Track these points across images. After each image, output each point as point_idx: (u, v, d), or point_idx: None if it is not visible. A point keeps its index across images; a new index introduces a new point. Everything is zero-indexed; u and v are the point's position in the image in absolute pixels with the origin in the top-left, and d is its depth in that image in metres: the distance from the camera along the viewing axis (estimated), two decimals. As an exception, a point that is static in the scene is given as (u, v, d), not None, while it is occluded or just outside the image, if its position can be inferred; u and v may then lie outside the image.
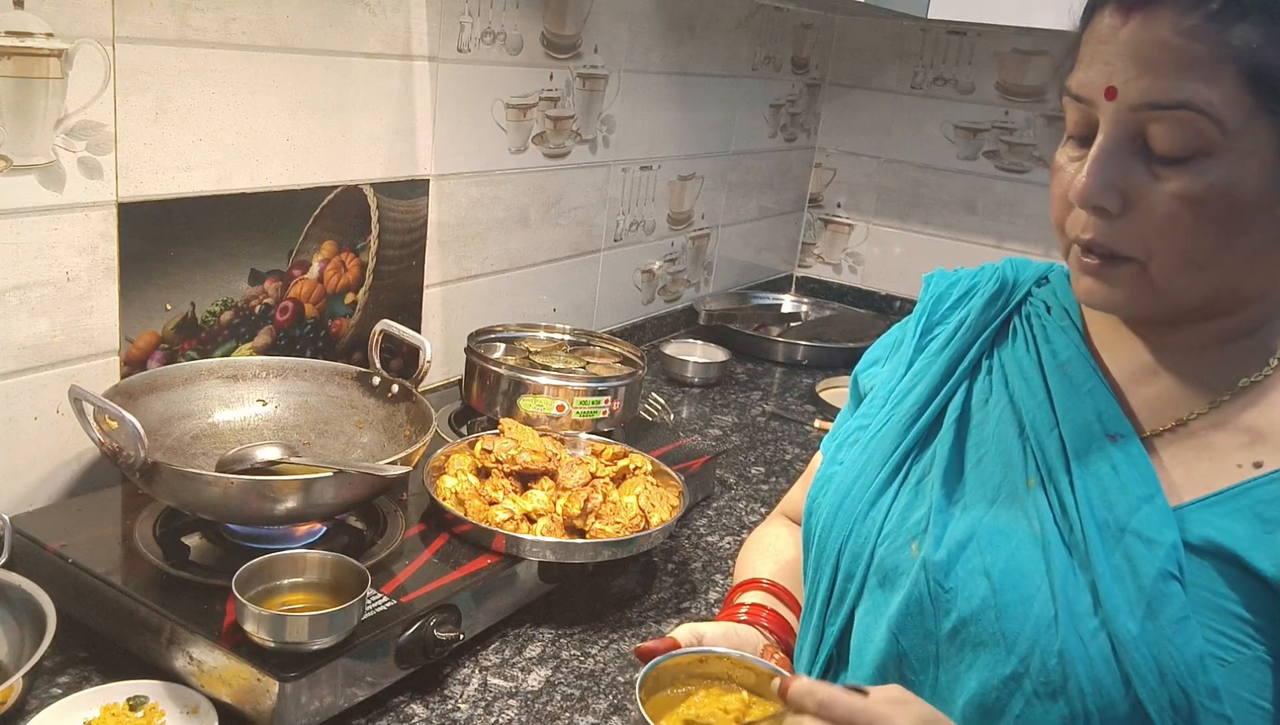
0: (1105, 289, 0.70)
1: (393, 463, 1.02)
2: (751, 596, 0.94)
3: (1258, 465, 0.67)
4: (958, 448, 0.79)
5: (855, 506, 0.81)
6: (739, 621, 0.89)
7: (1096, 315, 0.80)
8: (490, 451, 1.20)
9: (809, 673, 0.83)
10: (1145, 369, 0.75)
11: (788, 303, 2.49)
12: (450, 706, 0.96)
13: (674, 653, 0.76)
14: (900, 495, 0.79)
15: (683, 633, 0.81)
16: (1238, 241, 0.66)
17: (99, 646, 0.96)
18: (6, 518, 0.97)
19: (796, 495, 1.05)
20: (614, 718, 0.97)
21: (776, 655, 0.84)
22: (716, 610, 1.17)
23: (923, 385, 0.84)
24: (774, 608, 0.92)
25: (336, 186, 1.35)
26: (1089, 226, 0.69)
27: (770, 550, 1.01)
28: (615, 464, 1.25)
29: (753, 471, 1.58)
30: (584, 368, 1.50)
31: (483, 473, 1.20)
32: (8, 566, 0.95)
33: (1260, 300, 0.71)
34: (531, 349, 1.56)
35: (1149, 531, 0.67)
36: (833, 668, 0.82)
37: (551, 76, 1.68)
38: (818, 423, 1.79)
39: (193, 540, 1.05)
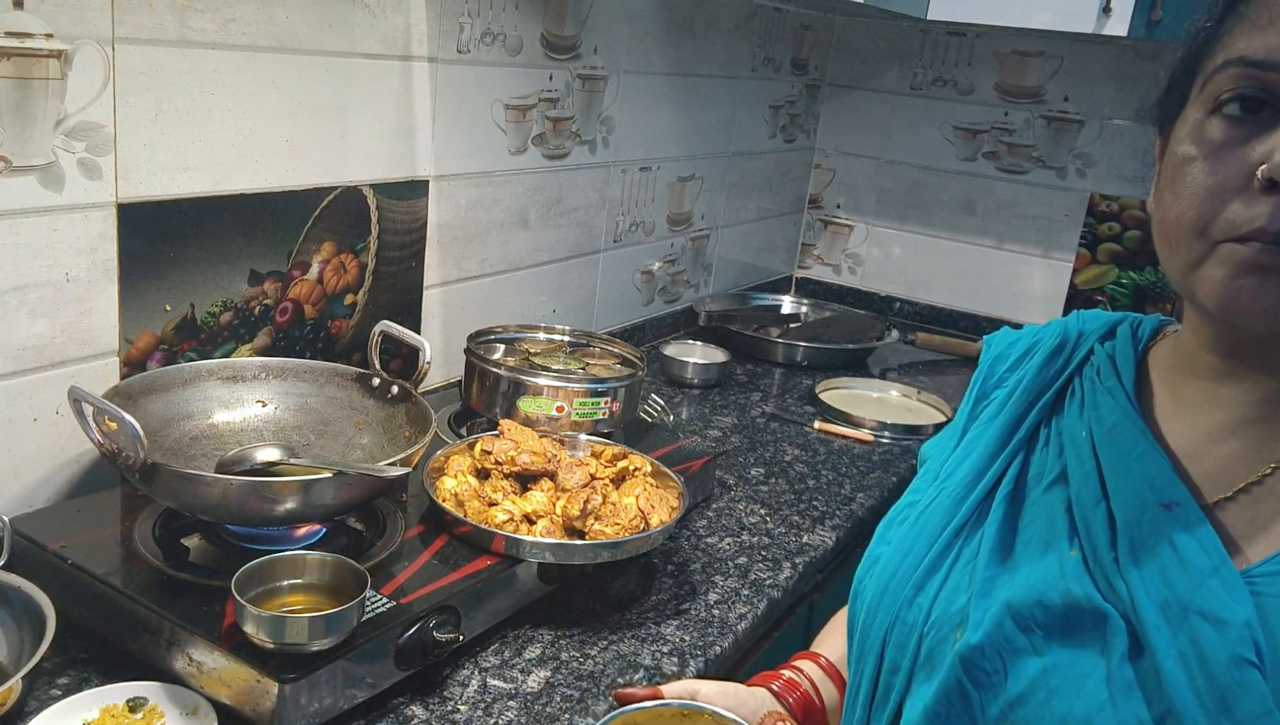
0: (1257, 288, 0.59)
1: (392, 464, 1.02)
2: (802, 664, 0.88)
3: None
4: (1008, 527, 0.72)
5: (901, 591, 0.73)
6: (768, 688, 0.84)
7: (1181, 371, 0.71)
8: (490, 453, 1.20)
9: None
10: (1223, 427, 0.67)
11: (787, 304, 2.49)
12: (450, 708, 0.96)
13: (655, 703, 0.73)
14: (950, 579, 0.72)
15: (676, 687, 0.77)
16: None
17: (98, 648, 0.96)
18: (6, 519, 0.97)
19: None
20: (614, 719, 0.97)
21: None
22: (716, 612, 1.17)
23: (974, 457, 0.76)
24: (816, 685, 0.86)
25: (336, 187, 1.35)
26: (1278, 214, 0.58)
27: (841, 628, 0.93)
28: (615, 465, 1.25)
29: (752, 473, 1.58)
30: (583, 369, 1.50)
31: (482, 474, 1.20)
32: (7, 567, 0.95)
33: None
34: (531, 350, 1.56)
35: (1217, 610, 0.58)
36: None
37: (551, 77, 1.68)
38: (817, 424, 1.79)
39: (192, 541, 1.05)
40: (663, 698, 0.75)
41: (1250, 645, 0.56)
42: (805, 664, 0.89)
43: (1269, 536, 0.61)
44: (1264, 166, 0.58)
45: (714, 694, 0.78)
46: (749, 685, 0.85)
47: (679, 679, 1.04)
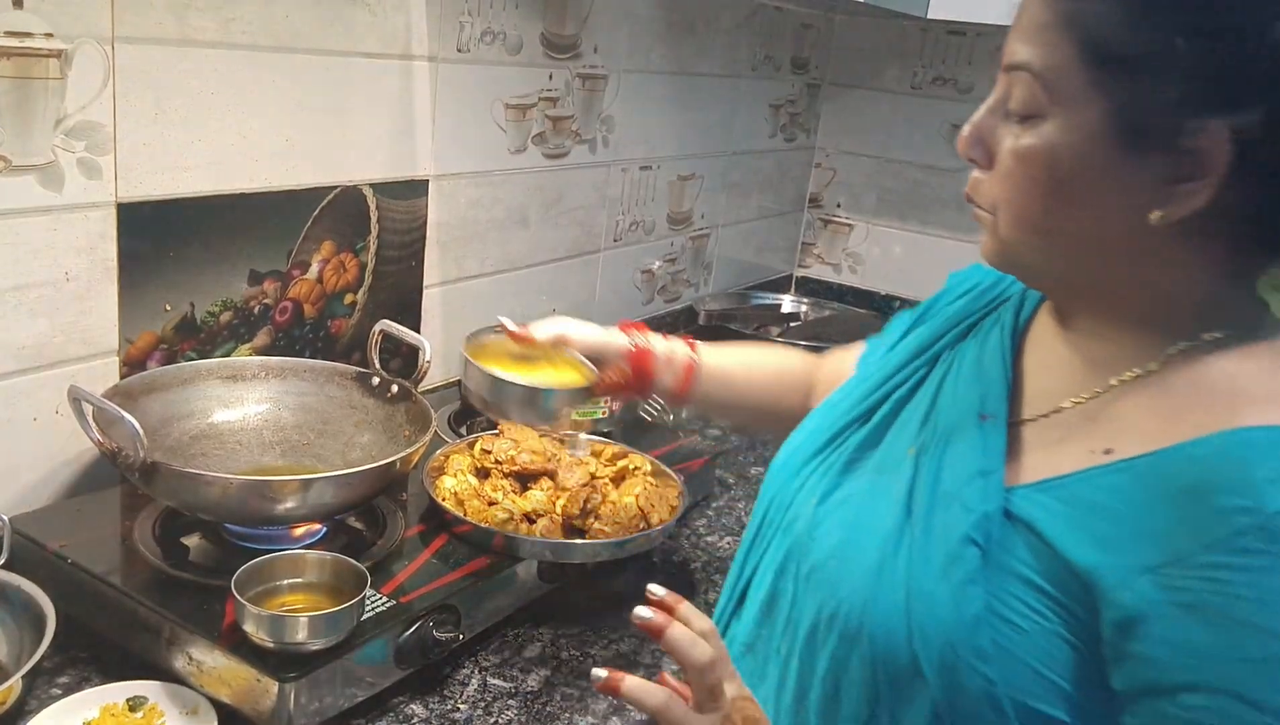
0: (982, 237, 0.75)
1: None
2: (673, 341, 1.07)
3: (1108, 452, 0.68)
4: (884, 424, 0.84)
5: (790, 465, 0.86)
6: (628, 333, 1.04)
7: (1050, 312, 0.81)
8: (489, 452, 1.20)
9: (725, 607, 0.90)
10: (1052, 359, 0.78)
11: (787, 303, 2.49)
12: (450, 707, 0.96)
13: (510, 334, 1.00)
14: (826, 461, 0.84)
15: (549, 324, 1.02)
16: (1066, 212, 0.68)
17: (98, 647, 0.96)
18: (6, 518, 0.97)
19: (832, 360, 1.10)
20: (614, 718, 0.97)
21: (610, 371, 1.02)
22: (717, 610, 1.17)
23: (888, 366, 0.88)
24: (662, 354, 1.04)
25: (336, 187, 1.35)
26: (969, 181, 0.74)
27: (759, 353, 1.14)
28: (615, 464, 1.25)
29: (752, 472, 1.58)
30: (583, 368, 1.50)
31: (482, 473, 1.20)
32: (7, 567, 0.95)
33: (1141, 292, 0.70)
34: (531, 349, 1.56)
35: (973, 502, 0.70)
36: (743, 604, 0.88)
37: (551, 76, 1.68)
38: (817, 423, 1.79)
39: (192, 540, 1.05)
40: (533, 337, 0.96)
41: (982, 530, 0.69)
42: (677, 342, 1.07)
43: (1047, 456, 0.72)
44: None
45: (580, 336, 1.02)
46: (619, 327, 1.05)
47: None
